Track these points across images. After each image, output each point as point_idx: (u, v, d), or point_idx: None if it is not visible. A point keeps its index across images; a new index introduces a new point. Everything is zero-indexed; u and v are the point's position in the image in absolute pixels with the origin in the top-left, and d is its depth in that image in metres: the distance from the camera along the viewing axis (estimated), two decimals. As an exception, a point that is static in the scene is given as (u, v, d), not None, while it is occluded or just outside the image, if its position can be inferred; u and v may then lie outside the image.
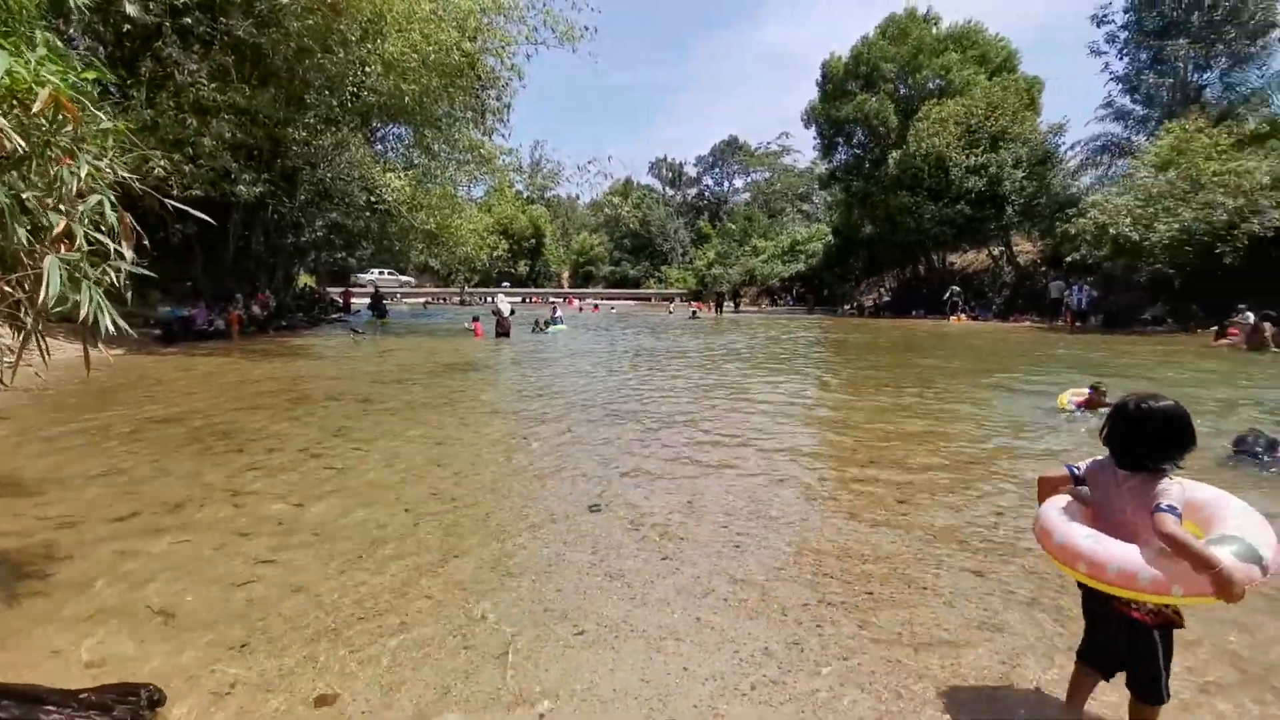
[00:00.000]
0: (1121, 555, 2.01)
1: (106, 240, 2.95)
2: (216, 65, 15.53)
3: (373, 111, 20.88)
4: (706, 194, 79.46)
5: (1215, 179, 20.78)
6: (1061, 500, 2.35)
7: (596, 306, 46.62)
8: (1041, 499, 2.42)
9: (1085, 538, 2.10)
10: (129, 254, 3.03)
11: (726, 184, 79.05)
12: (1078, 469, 2.35)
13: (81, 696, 2.33)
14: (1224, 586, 1.84)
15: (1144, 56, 30.96)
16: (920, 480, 5.42)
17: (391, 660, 2.78)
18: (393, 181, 23.63)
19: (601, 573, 3.66)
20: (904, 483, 5.34)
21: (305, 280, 35.12)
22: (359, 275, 49.97)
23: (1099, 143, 32.87)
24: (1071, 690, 2.44)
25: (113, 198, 2.97)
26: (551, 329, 22.99)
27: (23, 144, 2.77)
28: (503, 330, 19.81)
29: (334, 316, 27.91)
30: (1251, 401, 8.83)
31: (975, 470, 5.75)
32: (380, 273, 52.03)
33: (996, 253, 33.13)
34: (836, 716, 2.44)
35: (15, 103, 2.84)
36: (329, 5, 15.54)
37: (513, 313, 21.23)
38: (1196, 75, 30.22)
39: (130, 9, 14.05)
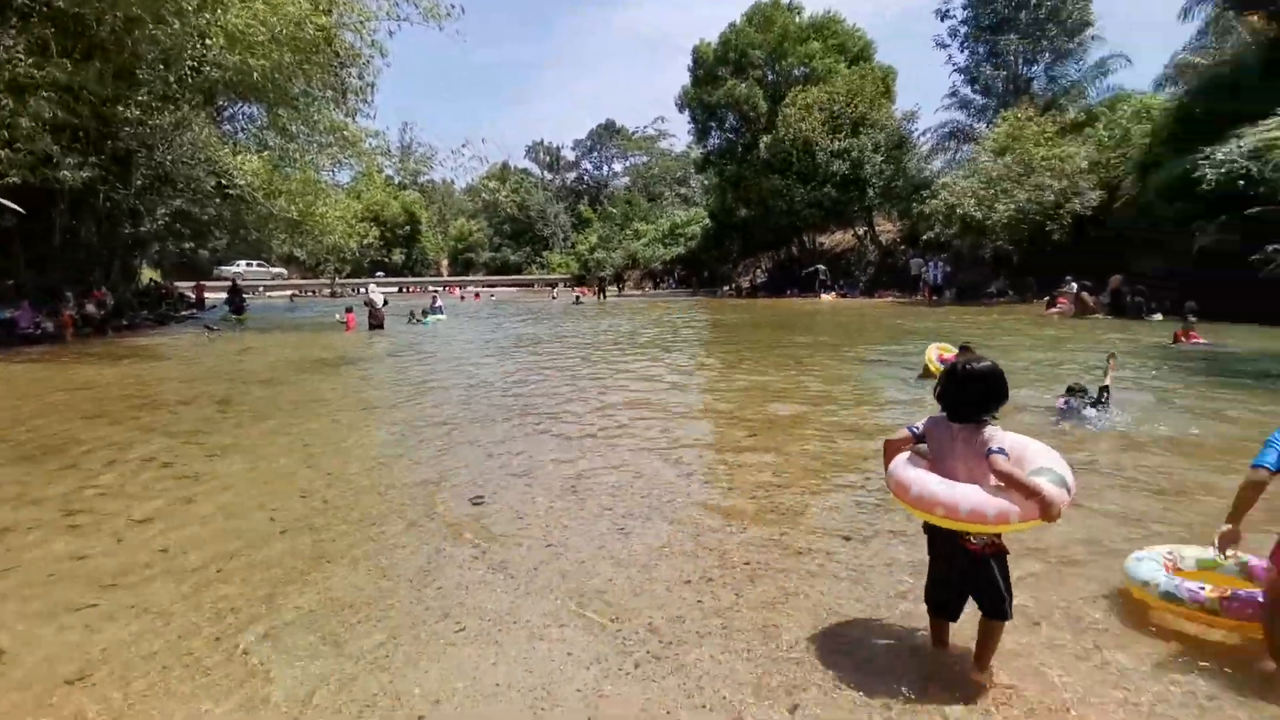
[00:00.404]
0: (970, 495, 2.28)
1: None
2: (35, 38, 13.75)
3: (217, 88, 19.16)
4: (586, 178, 79.19)
5: (1043, 163, 23.05)
6: (907, 457, 2.58)
7: (478, 294, 45.53)
8: (888, 460, 2.63)
9: (938, 484, 2.35)
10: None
11: (605, 168, 79.14)
12: (917, 428, 2.59)
13: None
14: (1047, 509, 2.19)
15: (981, 50, 33.54)
16: (796, 453, 5.68)
17: (263, 673, 2.59)
18: (245, 164, 21.82)
19: (484, 566, 3.58)
20: (780, 458, 5.58)
21: (149, 275, 31.96)
22: (223, 268, 46.11)
23: (947, 129, 35.48)
24: (934, 637, 2.72)
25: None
26: (430, 319, 22.19)
27: None
28: (376, 322, 18.94)
29: (185, 314, 25.55)
30: (1071, 362, 9.90)
31: (843, 442, 6.10)
32: (247, 264, 48.22)
33: (861, 233, 35.18)
34: (717, 683, 2.52)
35: None
36: (159, -30, 14.08)
37: (386, 303, 20.31)
38: (1025, 68, 33.16)
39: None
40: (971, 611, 2.54)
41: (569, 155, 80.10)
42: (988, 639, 2.51)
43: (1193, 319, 12.75)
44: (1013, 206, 22.75)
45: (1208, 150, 16.57)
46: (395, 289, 54.71)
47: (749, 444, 6.00)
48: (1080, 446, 5.64)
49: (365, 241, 32.76)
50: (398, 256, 63.75)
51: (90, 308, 18.44)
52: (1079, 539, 3.74)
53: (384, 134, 24.64)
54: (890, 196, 31.84)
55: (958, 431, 2.46)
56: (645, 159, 74.03)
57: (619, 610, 3.07)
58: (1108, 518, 4.09)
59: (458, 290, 51.41)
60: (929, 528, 2.53)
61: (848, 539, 3.84)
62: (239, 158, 22.25)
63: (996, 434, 2.38)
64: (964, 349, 8.46)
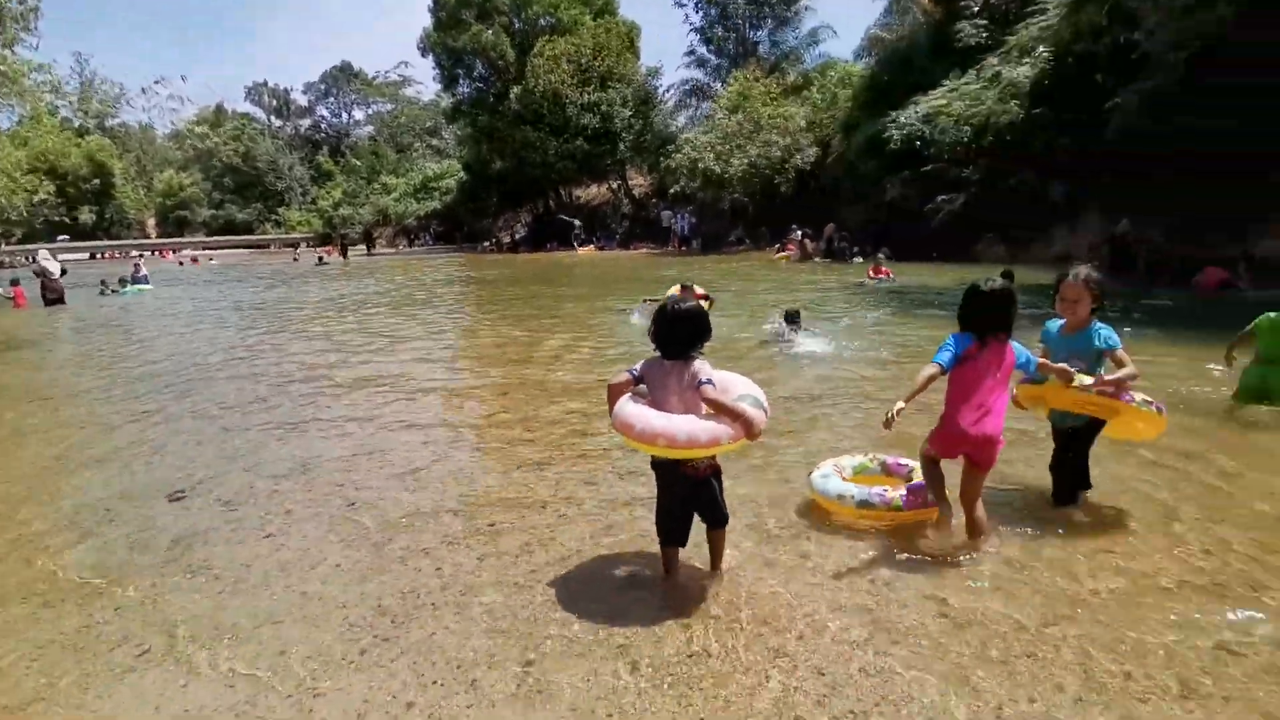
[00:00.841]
0: (686, 424, 2.49)
1: None
2: None
3: None
4: (324, 125, 71.71)
5: (770, 121, 25.31)
6: (629, 397, 2.67)
7: (196, 259, 39.43)
8: (612, 403, 2.70)
9: (658, 418, 2.52)
10: None
11: (345, 115, 72.31)
12: (635, 370, 2.72)
13: None
14: (750, 428, 2.48)
15: (714, 12, 35.62)
16: (546, 413, 5.55)
17: None
18: None
19: (180, 570, 3.07)
20: (531, 412, 5.53)
21: None
22: None
23: (688, 86, 37.44)
24: (665, 565, 2.86)
25: None
26: (131, 289, 18.77)
27: None
28: (54, 295, 15.63)
29: None
30: (794, 300, 11.13)
31: (595, 394, 6.21)
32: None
33: (615, 186, 36.13)
34: (455, 652, 2.40)
35: None
36: None
37: (64, 273, 16.79)
38: (752, 32, 35.91)
39: None
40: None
41: (301, 100, 71.81)
42: (717, 544, 2.86)
43: (881, 257, 15.21)
44: (746, 161, 24.79)
45: (893, 115, 19.41)
46: (87, 255, 45.57)
47: (500, 402, 5.88)
48: (787, 369, 6.35)
49: (37, 198, 26.62)
50: (87, 216, 52.96)
51: None
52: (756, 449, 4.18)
53: (51, 67, 20.02)
54: (640, 150, 32.98)
55: (670, 368, 2.63)
56: (390, 106, 68.60)
57: (346, 595, 2.81)
58: (791, 435, 4.62)
59: (170, 254, 44.22)
60: (654, 463, 2.70)
61: (593, 484, 3.90)
62: None
63: (704, 367, 2.59)
64: (685, 288, 9.08)
